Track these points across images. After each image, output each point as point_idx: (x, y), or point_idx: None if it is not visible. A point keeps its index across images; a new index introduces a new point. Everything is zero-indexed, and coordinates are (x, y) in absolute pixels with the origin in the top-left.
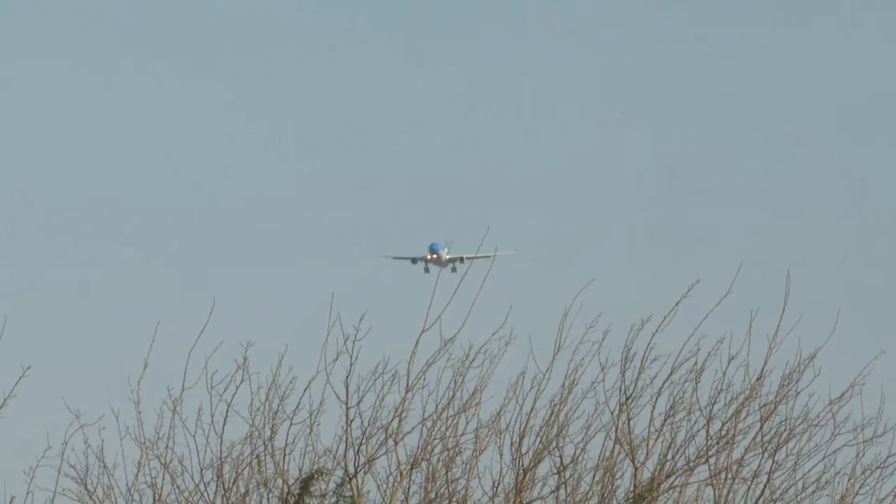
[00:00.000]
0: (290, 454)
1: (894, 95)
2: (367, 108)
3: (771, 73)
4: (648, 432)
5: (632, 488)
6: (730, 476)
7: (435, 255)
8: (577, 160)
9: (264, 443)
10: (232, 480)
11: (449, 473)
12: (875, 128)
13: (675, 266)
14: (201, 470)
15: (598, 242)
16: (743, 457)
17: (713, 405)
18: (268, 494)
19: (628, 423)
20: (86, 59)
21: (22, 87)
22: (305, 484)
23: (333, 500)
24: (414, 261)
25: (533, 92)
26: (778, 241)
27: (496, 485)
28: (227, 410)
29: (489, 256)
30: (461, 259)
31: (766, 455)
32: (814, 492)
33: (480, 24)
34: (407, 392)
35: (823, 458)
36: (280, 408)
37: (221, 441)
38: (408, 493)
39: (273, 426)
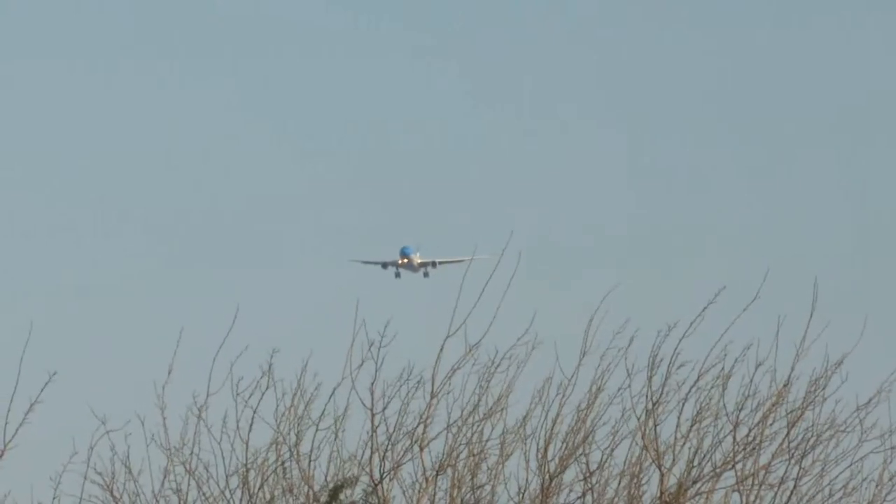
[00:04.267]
0: (315, 460)
1: (894, 95)
2: (367, 107)
3: (771, 73)
4: (675, 438)
5: (658, 494)
6: (756, 482)
7: (406, 259)
8: (577, 160)
9: (290, 449)
10: (257, 487)
11: (474, 479)
12: (875, 128)
13: (675, 266)
14: (227, 476)
15: (599, 242)
16: (770, 463)
17: (740, 411)
18: (293, 501)
19: (655, 429)
20: (86, 59)
21: (22, 87)
22: (334, 493)
23: None
24: (384, 265)
25: (533, 92)
26: (781, 243)
27: (522, 491)
28: (253, 417)
29: (463, 261)
30: (433, 263)
31: (792, 461)
32: (841, 498)
33: (481, 24)
34: (432, 398)
35: (850, 464)
36: (305, 414)
37: (247, 447)
38: (433, 499)
39: (298, 432)
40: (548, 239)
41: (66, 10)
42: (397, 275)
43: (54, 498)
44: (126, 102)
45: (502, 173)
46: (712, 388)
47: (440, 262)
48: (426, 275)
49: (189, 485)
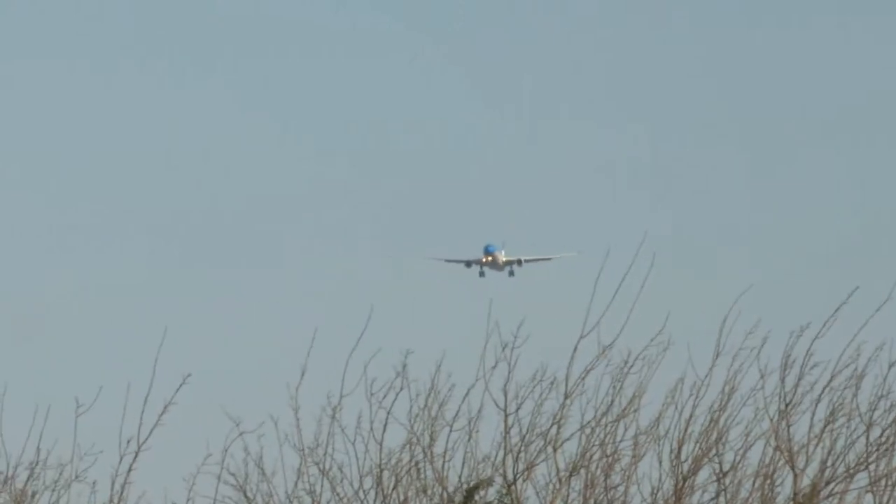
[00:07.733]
0: (449, 461)
1: (894, 95)
2: (367, 107)
3: (771, 73)
4: (808, 439)
5: (792, 495)
6: (890, 483)
7: (490, 258)
8: (577, 160)
9: (423, 450)
10: (391, 487)
11: (608, 480)
12: (875, 128)
13: (677, 266)
14: (360, 477)
15: (599, 242)
16: None
17: (873, 411)
18: (427, 501)
19: (788, 430)
20: (86, 59)
21: (22, 87)
22: (470, 494)
23: None
24: (468, 264)
25: (533, 92)
26: (784, 244)
27: (655, 492)
28: (387, 417)
29: (550, 259)
30: (519, 261)
31: None
32: None
33: (481, 24)
34: (566, 399)
35: None
36: (439, 415)
37: (381, 448)
38: (567, 499)
39: (432, 433)
40: (548, 238)
41: (66, 10)
42: (482, 274)
43: (188, 499)
44: (126, 102)
45: (503, 173)
46: (845, 388)
47: (526, 261)
48: (511, 273)
49: (323, 485)
